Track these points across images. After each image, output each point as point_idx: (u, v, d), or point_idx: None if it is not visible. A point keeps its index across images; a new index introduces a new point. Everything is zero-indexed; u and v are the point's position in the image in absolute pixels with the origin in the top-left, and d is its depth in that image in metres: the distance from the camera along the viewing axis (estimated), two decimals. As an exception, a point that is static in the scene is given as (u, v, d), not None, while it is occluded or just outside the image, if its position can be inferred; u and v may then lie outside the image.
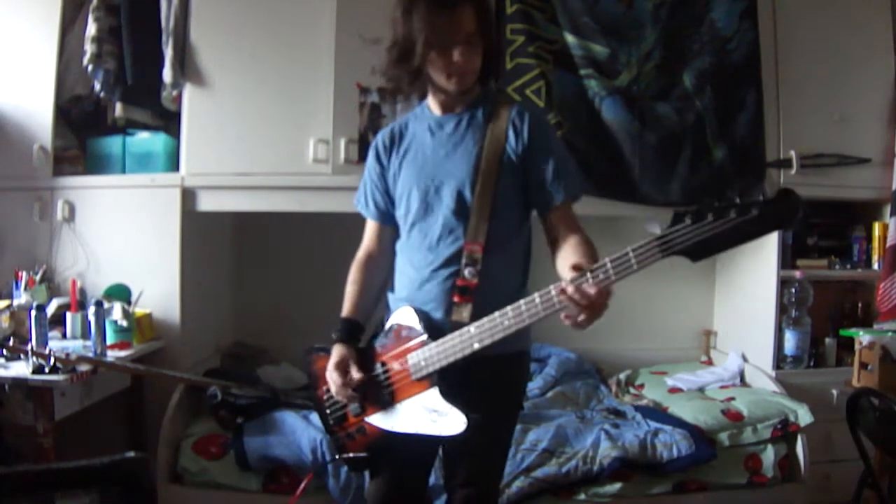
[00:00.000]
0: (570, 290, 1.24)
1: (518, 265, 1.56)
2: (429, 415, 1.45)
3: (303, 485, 1.87)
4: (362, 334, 1.61)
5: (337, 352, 1.55)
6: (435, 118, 1.57)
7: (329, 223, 2.98)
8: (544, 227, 1.52)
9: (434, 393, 1.44)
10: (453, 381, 1.44)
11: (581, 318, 1.25)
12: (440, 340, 1.43)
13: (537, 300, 1.32)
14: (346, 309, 1.62)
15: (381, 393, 1.52)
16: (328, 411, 1.64)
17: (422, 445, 1.50)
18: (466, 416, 1.40)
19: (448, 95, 1.53)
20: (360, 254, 1.69)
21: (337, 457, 1.65)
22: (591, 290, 1.23)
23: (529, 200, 1.53)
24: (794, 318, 2.75)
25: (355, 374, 1.51)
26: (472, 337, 1.39)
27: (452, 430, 1.41)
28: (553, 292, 1.30)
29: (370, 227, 1.69)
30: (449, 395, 1.43)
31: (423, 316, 1.49)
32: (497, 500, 1.64)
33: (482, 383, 1.46)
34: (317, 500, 2.22)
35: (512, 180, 1.49)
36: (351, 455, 1.61)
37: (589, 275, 1.24)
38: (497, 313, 1.36)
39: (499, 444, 1.60)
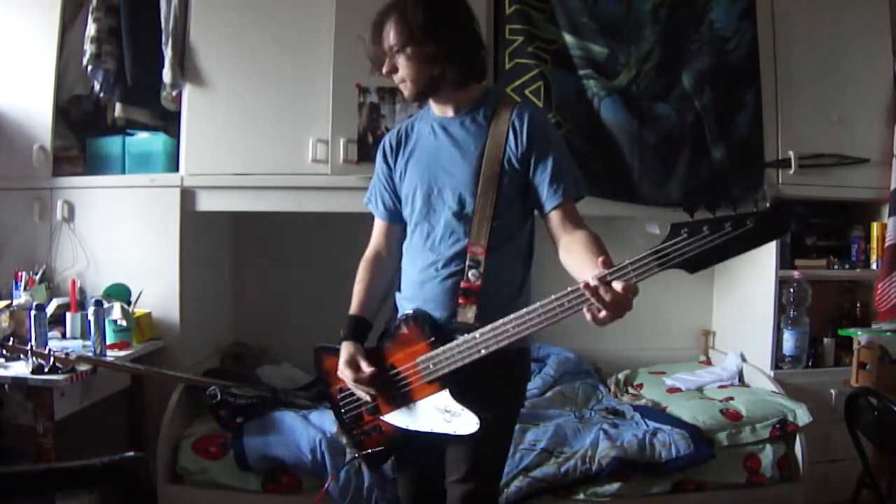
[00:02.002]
0: (593, 283, 1.24)
1: (520, 263, 1.58)
2: (442, 415, 1.48)
3: (326, 485, 2.00)
4: (369, 331, 1.63)
5: (345, 349, 1.58)
6: (437, 119, 1.61)
7: (328, 223, 3.00)
8: (546, 227, 1.53)
9: (445, 395, 1.47)
10: (460, 381, 1.47)
11: (602, 314, 1.25)
12: (448, 346, 1.45)
13: (539, 309, 1.33)
14: (354, 306, 1.65)
15: (395, 392, 1.55)
16: (343, 410, 1.67)
17: (436, 441, 1.53)
18: (479, 416, 1.43)
19: (413, 102, 1.60)
20: (368, 252, 1.72)
21: (356, 455, 1.68)
22: (618, 288, 1.23)
23: (530, 201, 1.54)
24: (792, 318, 2.75)
25: (366, 368, 1.54)
26: (477, 343, 1.41)
27: (466, 429, 1.45)
28: (555, 301, 1.30)
29: (378, 226, 1.73)
30: (459, 395, 1.47)
31: (428, 317, 1.52)
32: (497, 498, 1.65)
33: (485, 381, 1.47)
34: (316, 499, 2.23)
35: (513, 182, 1.51)
36: (369, 451, 1.65)
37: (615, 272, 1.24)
38: (501, 321, 1.38)
39: (499, 442, 1.61)
